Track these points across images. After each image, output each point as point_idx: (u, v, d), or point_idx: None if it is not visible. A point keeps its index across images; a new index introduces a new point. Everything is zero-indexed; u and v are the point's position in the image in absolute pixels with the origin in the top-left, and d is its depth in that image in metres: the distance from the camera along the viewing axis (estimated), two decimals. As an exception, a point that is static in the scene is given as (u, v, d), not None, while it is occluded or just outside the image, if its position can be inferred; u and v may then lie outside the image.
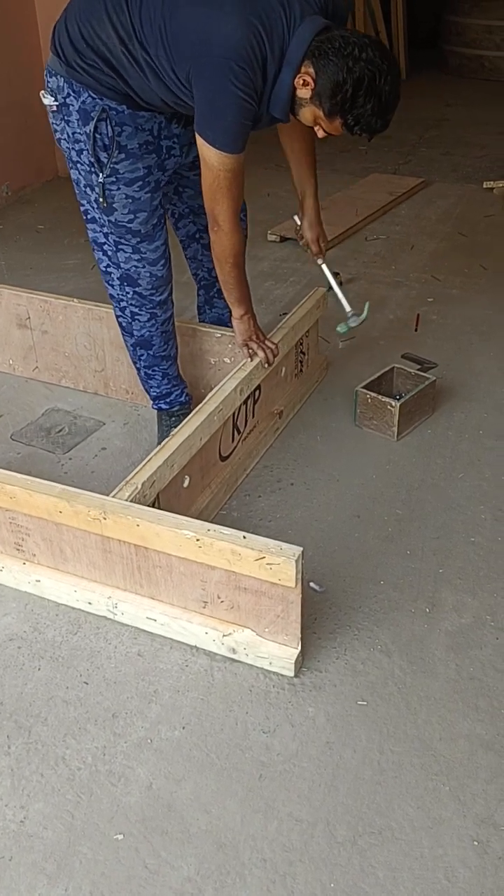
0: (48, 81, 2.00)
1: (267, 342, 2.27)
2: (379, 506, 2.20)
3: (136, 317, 2.25)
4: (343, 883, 1.38)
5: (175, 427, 2.35)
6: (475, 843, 1.43)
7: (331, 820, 1.47)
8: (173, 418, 2.41)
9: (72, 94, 1.96)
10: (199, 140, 1.89)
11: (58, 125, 2.04)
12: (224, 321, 2.55)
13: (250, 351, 2.25)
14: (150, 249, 2.14)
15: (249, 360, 2.24)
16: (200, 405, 2.09)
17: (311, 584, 1.93)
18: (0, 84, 4.14)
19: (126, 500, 1.75)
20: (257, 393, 2.33)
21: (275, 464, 2.37)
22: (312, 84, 1.83)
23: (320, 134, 1.95)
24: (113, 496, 1.77)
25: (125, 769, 1.56)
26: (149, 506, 1.80)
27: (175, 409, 2.42)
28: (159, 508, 1.83)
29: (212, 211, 2.01)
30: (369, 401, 2.45)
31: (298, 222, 2.45)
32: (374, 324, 3.11)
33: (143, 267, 2.16)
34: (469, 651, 1.78)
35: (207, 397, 2.12)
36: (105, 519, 1.70)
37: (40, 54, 4.30)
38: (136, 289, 2.19)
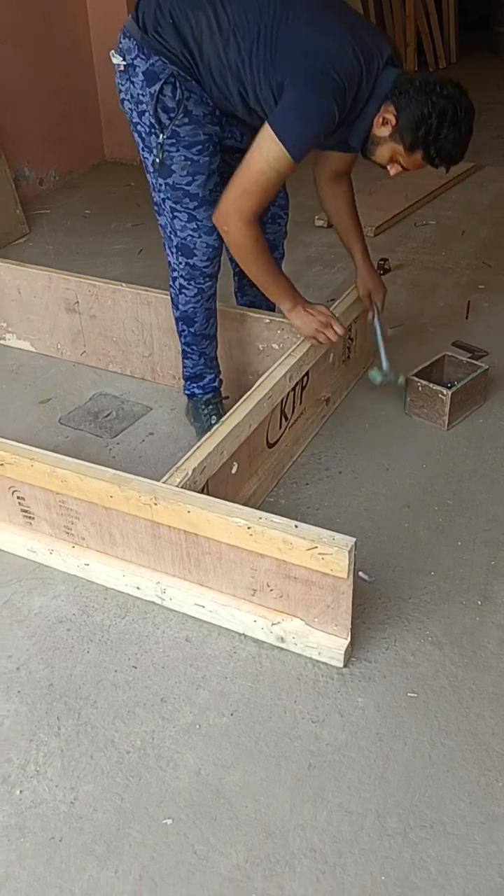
0: (120, 42, 2.00)
1: (332, 323, 2.21)
2: (429, 496, 2.17)
3: (184, 290, 2.23)
4: (394, 876, 1.36)
5: (215, 415, 2.34)
6: (529, 840, 1.41)
7: (381, 812, 1.45)
8: (210, 406, 2.39)
9: (140, 56, 1.95)
10: (268, 132, 1.90)
11: (122, 85, 2.03)
12: (256, 305, 2.54)
13: (321, 342, 2.23)
14: (206, 217, 2.09)
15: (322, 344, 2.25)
16: (250, 392, 2.07)
17: (361, 574, 1.91)
18: (49, 71, 4.17)
19: (177, 487, 1.74)
20: (305, 379, 2.30)
21: (322, 451, 2.34)
22: (394, 121, 1.94)
23: (394, 171, 2.03)
24: (164, 482, 1.76)
25: (174, 754, 1.56)
26: (198, 492, 1.79)
27: (209, 395, 2.40)
28: (208, 495, 1.83)
29: (239, 201, 1.98)
30: (420, 389, 2.41)
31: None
32: (423, 311, 3.06)
33: (199, 237, 2.12)
34: (522, 645, 1.75)
35: (257, 384, 2.10)
36: (156, 504, 1.70)
37: (89, 43, 4.33)
38: (191, 259, 2.16)
